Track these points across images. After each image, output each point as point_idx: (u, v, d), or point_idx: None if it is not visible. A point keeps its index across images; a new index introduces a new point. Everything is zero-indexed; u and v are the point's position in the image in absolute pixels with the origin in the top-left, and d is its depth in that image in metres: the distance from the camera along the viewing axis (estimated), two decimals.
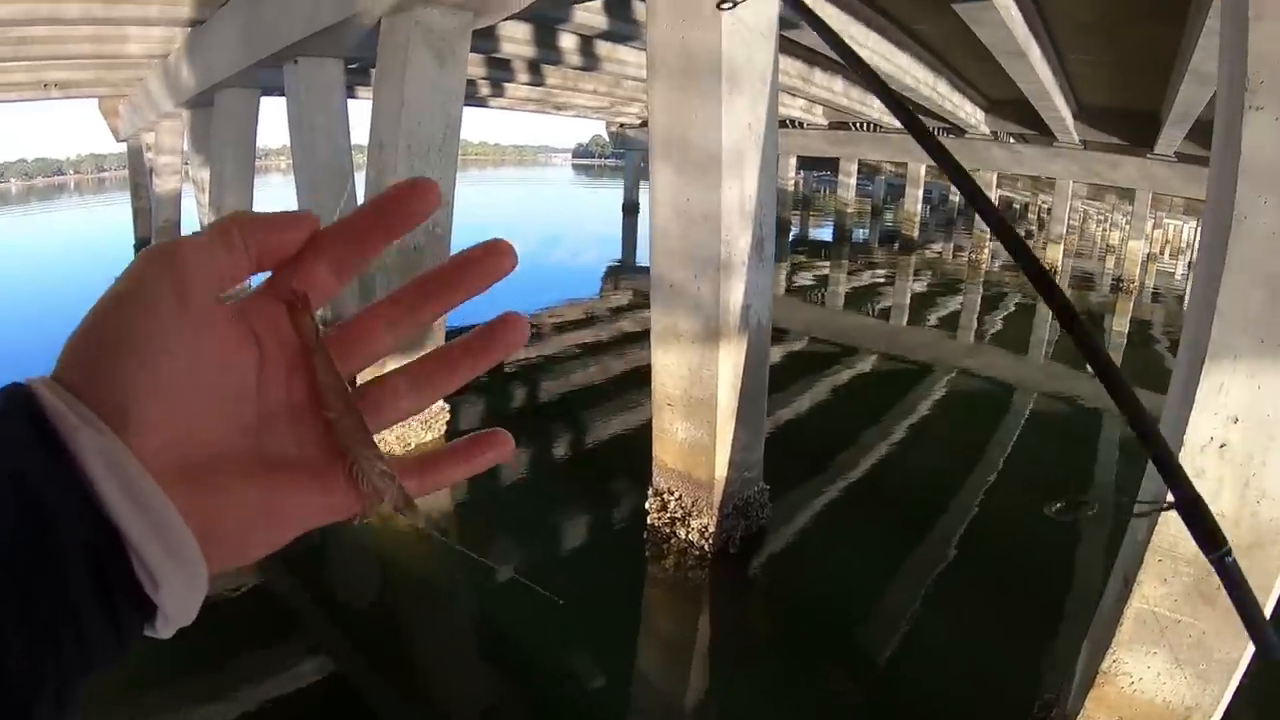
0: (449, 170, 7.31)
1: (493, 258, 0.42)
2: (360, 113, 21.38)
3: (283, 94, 10.58)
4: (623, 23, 12.21)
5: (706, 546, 5.75)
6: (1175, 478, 0.93)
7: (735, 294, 5.20)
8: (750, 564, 5.96)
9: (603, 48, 14.85)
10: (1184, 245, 44.55)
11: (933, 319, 16.84)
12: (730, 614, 5.72)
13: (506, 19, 8.33)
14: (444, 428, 7.63)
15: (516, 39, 13.12)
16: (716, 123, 4.83)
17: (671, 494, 5.87)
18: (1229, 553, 0.84)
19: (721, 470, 5.62)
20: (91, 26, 11.44)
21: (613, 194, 54.46)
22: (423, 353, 0.45)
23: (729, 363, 5.32)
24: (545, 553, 6.28)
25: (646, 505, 6.01)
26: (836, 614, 5.42)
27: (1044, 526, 6.48)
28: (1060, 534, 6.25)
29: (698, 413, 5.49)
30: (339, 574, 5.95)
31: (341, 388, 0.41)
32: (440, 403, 7.63)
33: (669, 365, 5.53)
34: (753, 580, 5.91)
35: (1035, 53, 12.51)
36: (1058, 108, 17.24)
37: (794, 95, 20.85)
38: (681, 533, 5.84)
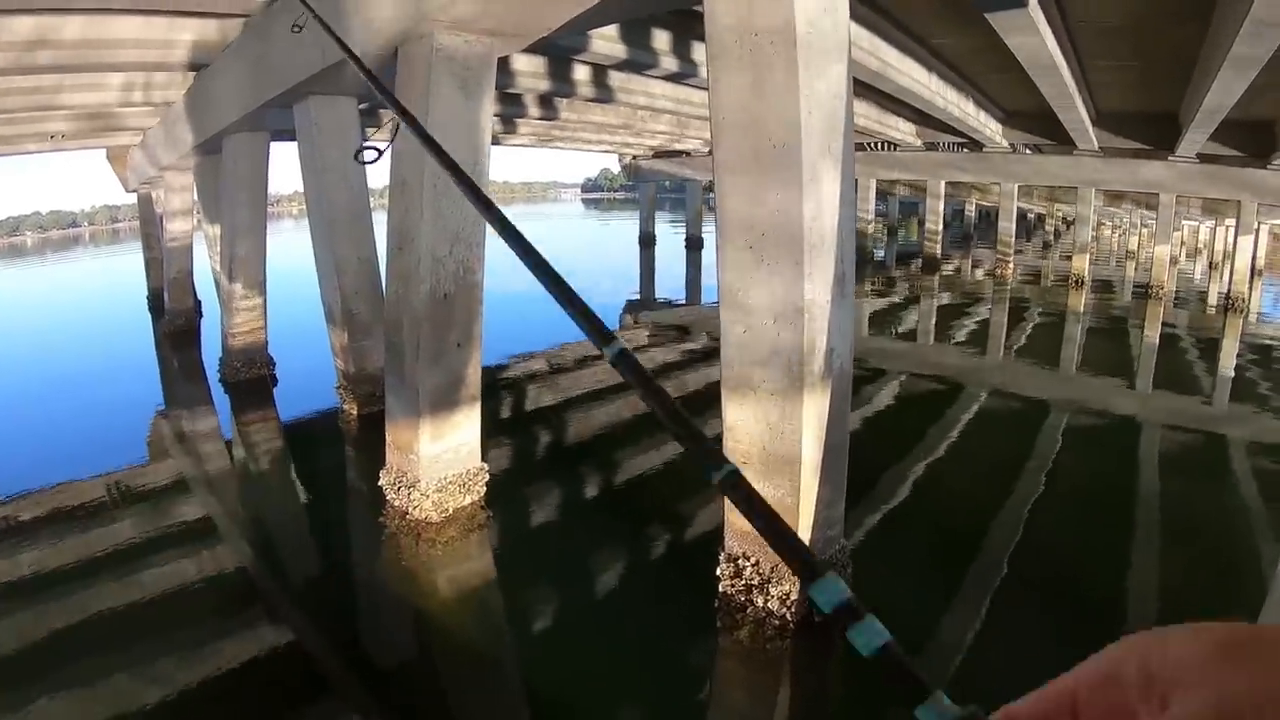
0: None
1: None
2: None
3: (293, 137, 10.15)
4: (640, 50, 11.83)
5: (789, 615, 5.13)
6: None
7: (819, 337, 4.62)
8: (838, 633, 5.31)
9: (616, 78, 14.48)
10: (1200, 246, 44.08)
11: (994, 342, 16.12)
12: (817, 690, 5.12)
13: (521, 51, 7.89)
14: (483, 489, 7.04)
15: (530, 73, 12.74)
16: (796, 140, 4.29)
17: (747, 559, 5.26)
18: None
19: (805, 533, 5.02)
20: (89, 75, 11.04)
21: (624, 226, 54.56)
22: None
23: (813, 414, 4.74)
24: (602, 622, 5.67)
25: (718, 571, 5.41)
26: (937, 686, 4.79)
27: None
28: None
29: (778, 471, 4.89)
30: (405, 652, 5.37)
31: None
32: (478, 463, 7.06)
33: (743, 421, 4.94)
34: (841, 651, 5.27)
35: (1060, 59, 12.17)
36: (1080, 114, 16.87)
37: None
38: (759, 601, 5.22)
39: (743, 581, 5.29)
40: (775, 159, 4.40)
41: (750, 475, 4.97)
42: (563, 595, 6.01)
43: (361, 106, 9.86)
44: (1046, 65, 12.10)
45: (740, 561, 5.30)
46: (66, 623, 5.76)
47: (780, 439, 4.81)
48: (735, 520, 5.27)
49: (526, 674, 5.23)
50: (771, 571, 5.17)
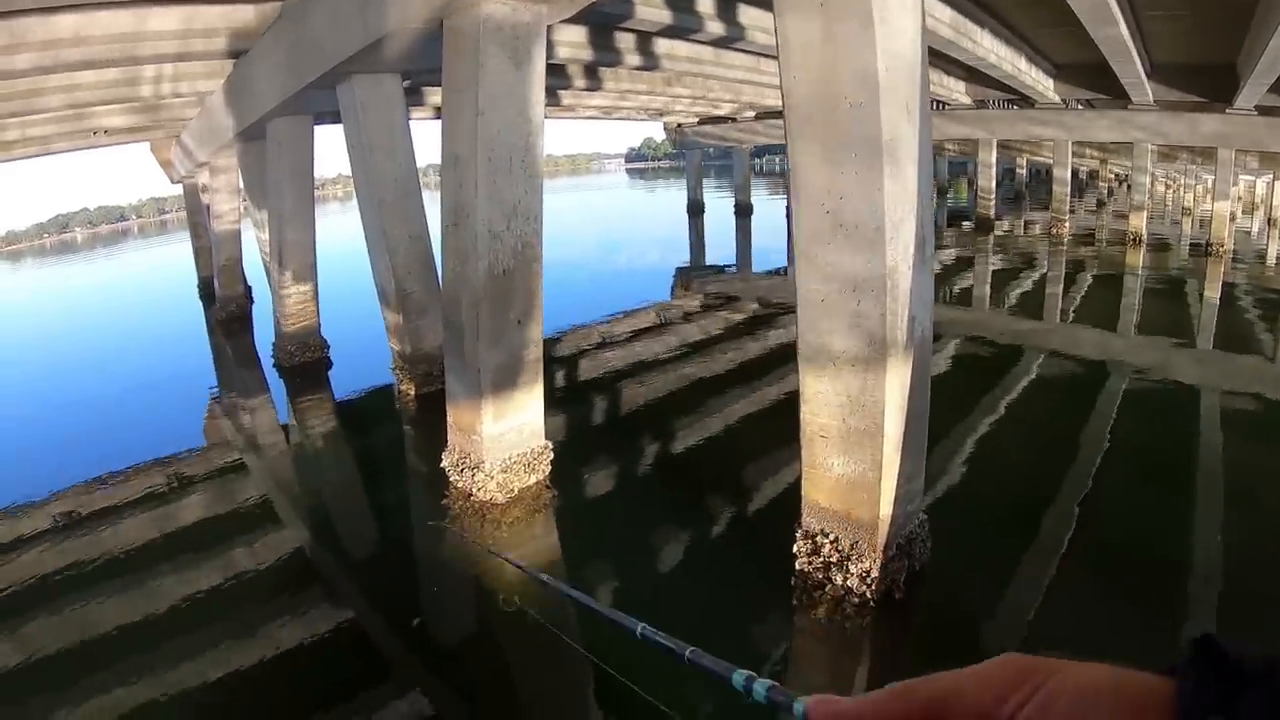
0: (533, 183, 6.58)
1: None
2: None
3: (336, 119, 10.08)
4: (685, 14, 11.53)
5: (868, 593, 4.95)
6: None
7: (901, 305, 4.40)
8: (917, 610, 5.14)
9: (661, 45, 14.17)
10: (1258, 201, 42.46)
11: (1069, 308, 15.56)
12: (898, 669, 4.91)
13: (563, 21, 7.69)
14: (547, 468, 6.95)
15: (572, 43, 12.50)
16: (874, 97, 4.05)
17: (825, 536, 5.10)
18: None
19: (887, 508, 4.83)
20: (123, 69, 11.05)
21: (670, 194, 54.10)
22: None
23: (895, 386, 4.53)
24: (673, 603, 5.53)
25: (795, 548, 5.25)
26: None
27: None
28: None
29: (859, 445, 4.70)
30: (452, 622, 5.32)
31: None
32: (542, 441, 6.96)
33: (822, 393, 4.75)
34: (922, 629, 5.09)
35: (1116, 10, 11.68)
36: (1136, 67, 16.22)
37: None
38: (838, 578, 5.05)
39: (821, 559, 5.13)
40: (852, 119, 4.17)
41: (829, 451, 4.83)
42: (631, 576, 5.90)
43: (405, 84, 9.74)
44: (1104, 16, 11.65)
45: (818, 538, 5.13)
46: (134, 607, 5.85)
47: (861, 412, 4.62)
48: (814, 496, 5.10)
49: (594, 657, 5.14)
50: (851, 549, 5.00)
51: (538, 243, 6.62)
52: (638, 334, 13.57)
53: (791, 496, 5.89)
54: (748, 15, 12.43)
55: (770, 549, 5.62)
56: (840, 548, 5.05)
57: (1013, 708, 0.43)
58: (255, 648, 5.17)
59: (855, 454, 4.74)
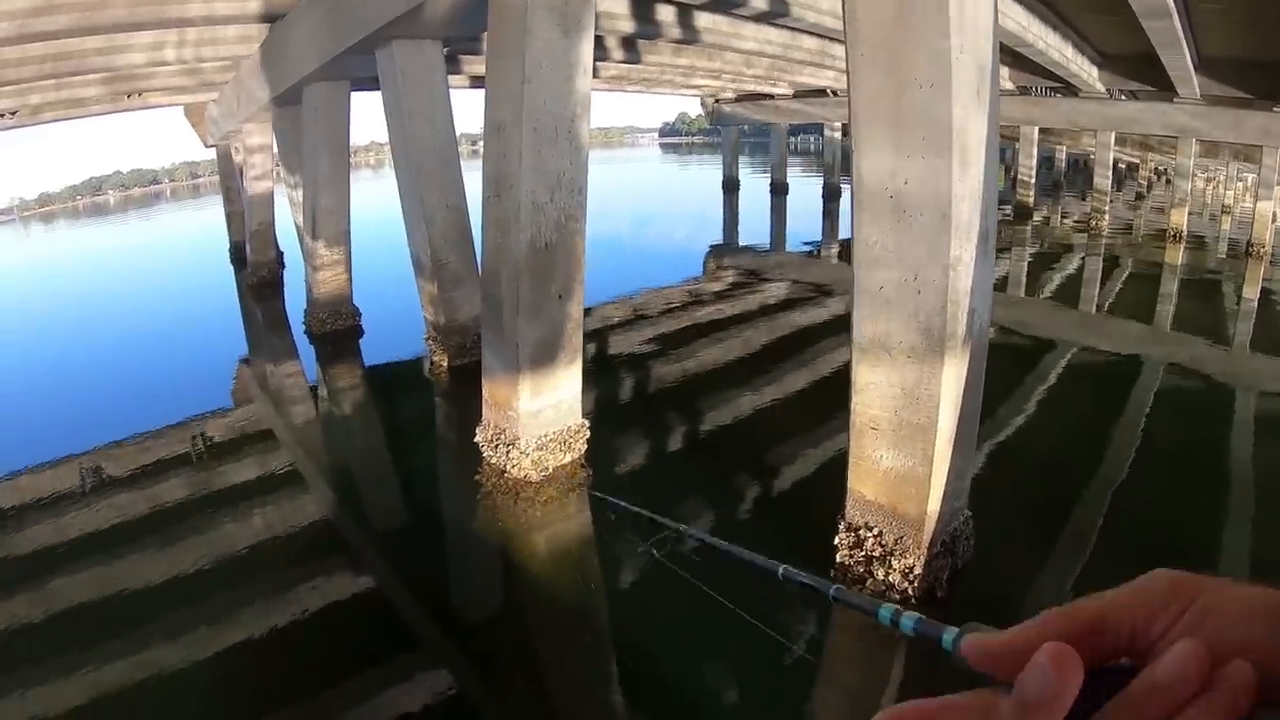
0: (578, 155, 6.44)
1: None
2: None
3: (372, 86, 9.99)
4: None
5: (911, 590, 4.85)
6: None
7: (963, 297, 4.26)
8: (960, 609, 5.02)
9: (702, 19, 13.92)
10: None
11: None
12: (939, 670, 4.79)
13: None
14: (583, 447, 6.87)
15: (612, 14, 12.29)
16: (946, 79, 3.89)
17: (869, 529, 4.99)
18: None
19: (935, 504, 4.71)
20: (157, 32, 10.98)
21: (704, 171, 53.65)
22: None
23: (952, 379, 4.40)
24: (706, 592, 5.43)
25: (836, 540, 5.14)
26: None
27: None
28: None
29: (910, 439, 4.58)
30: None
31: None
32: (579, 419, 6.87)
33: (876, 384, 4.62)
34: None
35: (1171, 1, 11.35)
36: (1185, 59, 15.78)
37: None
38: (880, 573, 4.95)
39: (863, 552, 5.03)
40: (922, 101, 4.01)
41: (879, 443, 4.71)
42: (664, 564, 5.81)
43: (445, 50, 9.61)
44: (1158, 8, 11.32)
45: (861, 531, 5.03)
46: (159, 569, 5.90)
47: (915, 405, 4.49)
48: (860, 488, 4.99)
49: (623, 643, 5.09)
50: (895, 544, 4.90)
51: (581, 216, 6.50)
52: (669, 311, 13.48)
53: (827, 482, 5.79)
54: None
55: (811, 539, 5.52)
56: (884, 542, 4.95)
57: (1164, 625, 0.40)
58: (277, 612, 5.16)
59: (906, 447, 4.62)
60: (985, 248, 4.39)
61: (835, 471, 5.53)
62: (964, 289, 4.26)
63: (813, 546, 5.43)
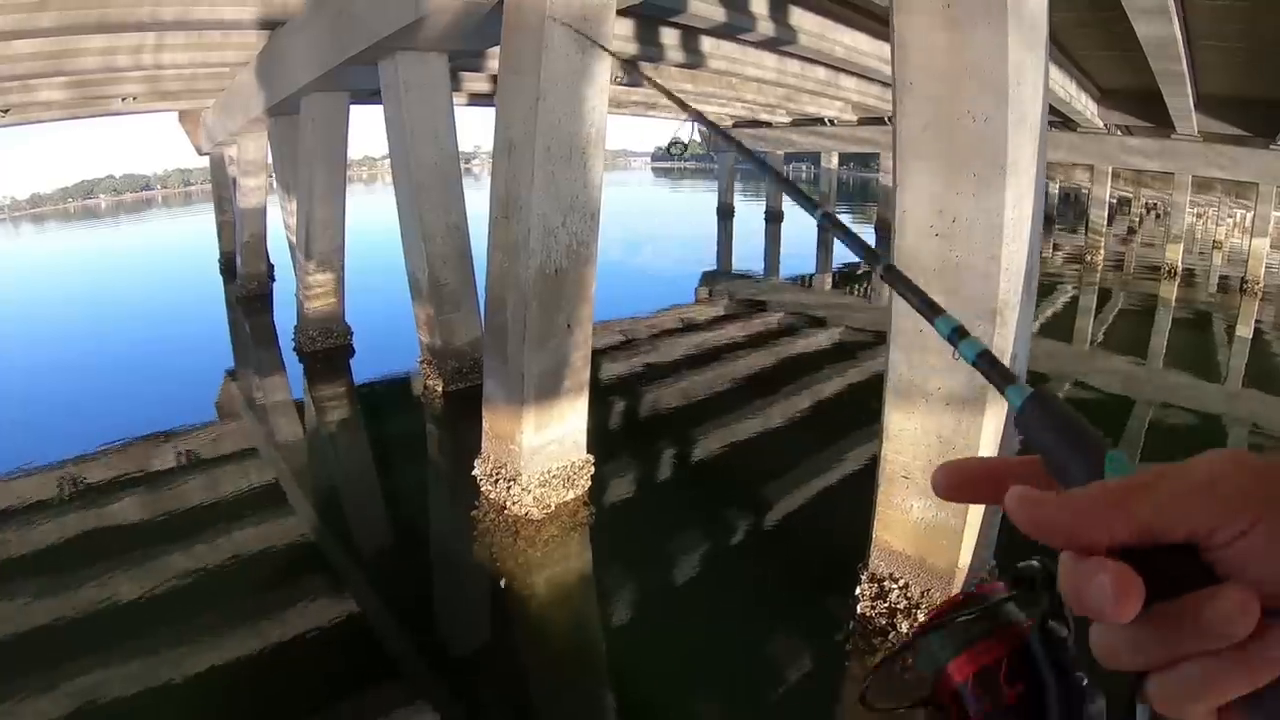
0: (593, 177, 6.17)
1: None
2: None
3: (372, 99, 9.73)
4: (738, 13, 11.13)
5: None
6: None
7: (1007, 342, 4.01)
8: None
9: (707, 44, 13.78)
10: None
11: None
12: None
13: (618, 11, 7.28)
14: (588, 483, 6.55)
15: (620, 35, 12.12)
16: (1003, 113, 3.66)
17: (895, 581, 4.72)
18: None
19: (966, 557, 4.46)
20: (158, 34, 10.72)
21: (696, 196, 53.65)
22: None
23: (991, 428, 4.15)
24: (716, 642, 5.14)
25: (857, 591, 4.87)
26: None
27: None
28: None
29: None
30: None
31: None
32: (584, 455, 6.57)
33: (908, 430, 4.36)
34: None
35: (1179, 36, 11.28)
36: (1186, 97, 15.81)
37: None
38: (904, 627, 4.68)
39: (886, 604, 4.76)
40: (976, 136, 3.77)
41: (910, 492, 4.43)
42: (672, 610, 5.52)
43: (451, 64, 9.38)
44: (1169, 52, 11.28)
45: (886, 583, 4.76)
46: (133, 587, 5.63)
47: (952, 454, 4.22)
48: (886, 538, 4.72)
49: (624, 694, 4.80)
50: (922, 596, 4.63)
51: (593, 242, 6.22)
52: (667, 332, 13.35)
53: (842, 525, 5.53)
54: (798, 17, 11.98)
55: (830, 589, 5.25)
56: (909, 595, 4.68)
57: (1232, 533, 0.33)
58: (270, 633, 4.83)
59: (938, 499, 4.35)
60: (1030, 289, 4.16)
61: (848, 516, 5.28)
62: (1009, 332, 4.02)
63: (831, 595, 5.19)
